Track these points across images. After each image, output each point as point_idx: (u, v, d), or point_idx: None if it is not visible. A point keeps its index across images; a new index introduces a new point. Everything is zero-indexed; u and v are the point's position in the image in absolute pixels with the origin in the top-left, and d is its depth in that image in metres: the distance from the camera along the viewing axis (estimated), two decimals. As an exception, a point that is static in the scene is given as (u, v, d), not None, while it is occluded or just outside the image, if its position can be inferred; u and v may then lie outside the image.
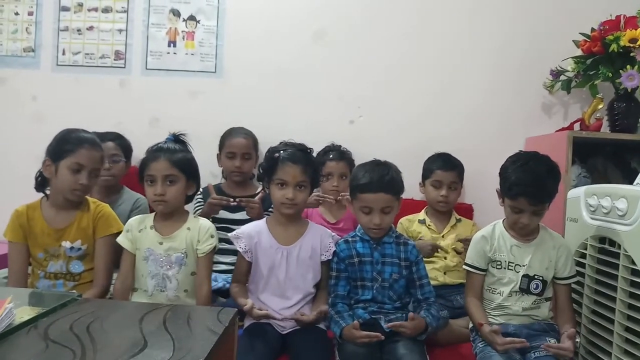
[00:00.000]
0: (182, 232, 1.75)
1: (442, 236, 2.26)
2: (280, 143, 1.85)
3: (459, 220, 2.32)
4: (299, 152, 1.79)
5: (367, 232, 1.79)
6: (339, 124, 2.64)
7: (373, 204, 1.71)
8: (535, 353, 1.59)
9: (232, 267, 2.17)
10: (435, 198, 2.28)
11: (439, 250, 2.16)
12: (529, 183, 1.63)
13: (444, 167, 2.29)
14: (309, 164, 1.79)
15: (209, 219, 1.90)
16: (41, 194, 1.83)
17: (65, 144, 1.75)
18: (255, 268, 1.78)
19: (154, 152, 1.76)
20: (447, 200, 2.26)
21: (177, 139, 1.85)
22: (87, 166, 1.75)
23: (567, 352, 1.55)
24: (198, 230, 1.75)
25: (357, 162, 2.43)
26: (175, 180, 1.73)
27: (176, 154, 1.75)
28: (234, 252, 2.18)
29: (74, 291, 1.70)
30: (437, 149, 2.39)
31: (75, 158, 1.74)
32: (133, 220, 1.80)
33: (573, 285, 1.77)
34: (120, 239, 1.77)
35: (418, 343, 1.65)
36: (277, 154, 1.77)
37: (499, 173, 1.75)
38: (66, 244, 1.76)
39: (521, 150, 1.80)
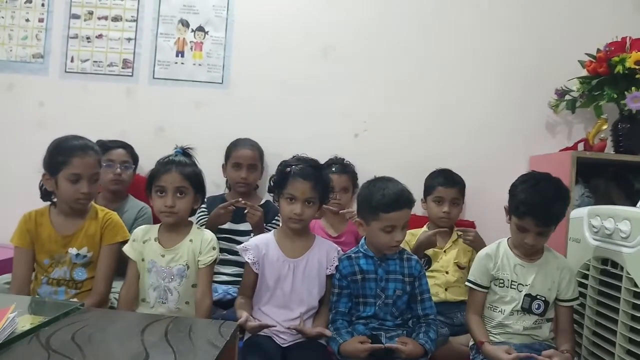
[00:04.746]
0: (184, 244, 1.75)
1: (444, 251, 2.25)
2: (293, 157, 1.84)
3: (460, 237, 2.31)
4: (310, 169, 1.77)
5: (386, 251, 1.74)
6: (343, 137, 2.65)
7: (398, 221, 1.68)
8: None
9: (234, 278, 2.19)
10: (437, 214, 2.28)
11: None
12: (537, 204, 1.63)
13: (446, 183, 2.30)
14: (320, 180, 1.78)
15: (214, 230, 1.91)
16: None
17: (57, 156, 1.74)
18: (262, 280, 1.77)
19: (166, 164, 1.76)
20: (449, 217, 2.27)
21: (184, 152, 1.87)
22: (84, 174, 1.74)
23: None
24: (200, 242, 1.76)
25: (361, 175, 2.44)
26: (185, 192, 1.74)
27: (187, 167, 1.77)
28: (236, 263, 2.20)
29: (76, 300, 1.71)
30: (441, 165, 2.40)
31: (70, 169, 1.72)
32: (139, 230, 1.80)
33: (574, 306, 1.76)
34: (126, 248, 1.76)
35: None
36: (288, 169, 1.76)
37: (509, 190, 1.76)
38: (73, 250, 1.76)
39: (534, 171, 1.80)
